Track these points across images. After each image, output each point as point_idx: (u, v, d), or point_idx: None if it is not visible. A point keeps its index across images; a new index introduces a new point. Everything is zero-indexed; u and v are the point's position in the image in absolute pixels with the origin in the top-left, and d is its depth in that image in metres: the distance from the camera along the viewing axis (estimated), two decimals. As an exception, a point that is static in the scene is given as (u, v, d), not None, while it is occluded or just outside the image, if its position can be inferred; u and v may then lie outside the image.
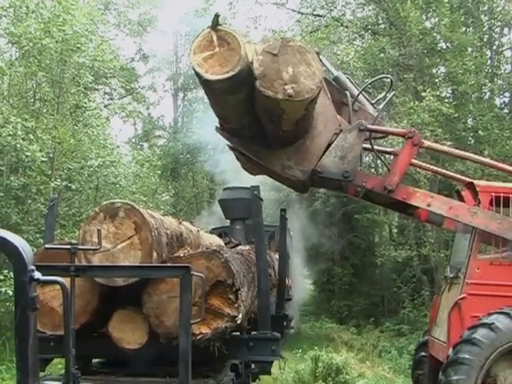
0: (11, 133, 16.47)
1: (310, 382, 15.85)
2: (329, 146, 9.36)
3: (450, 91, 27.50)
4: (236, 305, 7.56)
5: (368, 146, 10.41)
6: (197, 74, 7.53)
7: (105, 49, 22.48)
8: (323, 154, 9.34)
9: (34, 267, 3.47)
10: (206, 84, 7.72)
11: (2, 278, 15.49)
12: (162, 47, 58.37)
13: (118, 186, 22.19)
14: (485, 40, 27.73)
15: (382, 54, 25.11)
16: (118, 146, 25.88)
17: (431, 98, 21.98)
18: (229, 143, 9.78)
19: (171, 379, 7.30)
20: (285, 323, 12.32)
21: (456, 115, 23.11)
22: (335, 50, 28.19)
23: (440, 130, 22.04)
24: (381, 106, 10.56)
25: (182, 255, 7.80)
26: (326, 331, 29.19)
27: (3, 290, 15.19)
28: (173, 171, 37.04)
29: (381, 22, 29.16)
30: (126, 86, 34.45)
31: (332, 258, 33.98)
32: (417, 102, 22.34)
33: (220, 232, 15.92)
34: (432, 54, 26.00)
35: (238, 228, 16.04)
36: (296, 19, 31.46)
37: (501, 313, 9.59)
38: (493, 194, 10.32)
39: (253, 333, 8.85)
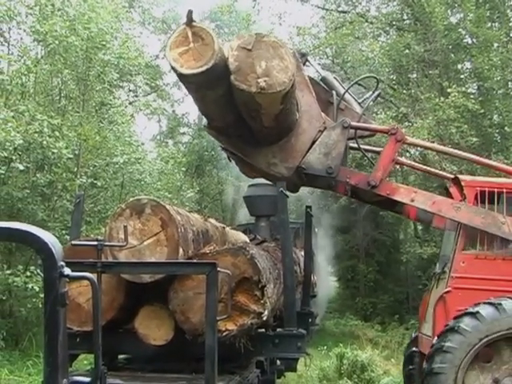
0: (37, 130, 16.57)
1: (334, 379, 15.83)
2: (313, 143, 9.63)
3: (476, 87, 27.26)
4: (262, 301, 7.56)
5: (356, 145, 10.67)
6: (173, 68, 7.81)
7: (130, 46, 22.51)
8: (308, 151, 9.60)
9: (63, 263, 3.49)
10: (182, 78, 8.02)
11: (28, 274, 15.63)
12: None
13: (143, 182, 22.27)
14: (511, 35, 27.45)
15: (407, 50, 24.93)
16: (142, 143, 26.02)
17: (457, 94, 21.80)
18: (222, 145, 10.04)
19: (197, 375, 7.31)
20: (310, 320, 12.29)
21: (482, 111, 22.88)
22: (360, 46, 28.06)
23: (466, 126, 21.86)
24: (366, 105, 10.90)
25: (208, 252, 7.81)
26: (350, 328, 29.14)
27: (30, 286, 15.32)
28: (197, 168, 37.03)
29: (406, 17, 28.96)
30: (151, 83, 34.47)
31: (357, 254, 33.89)
32: (442, 99, 22.16)
33: (245, 229, 15.91)
34: (457, 49, 25.78)
35: (262, 225, 16.02)
36: (320, 15, 31.34)
37: (487, 303, 9.50)
38: (478, 188, 10.24)
39: (278, 330, 8.85)
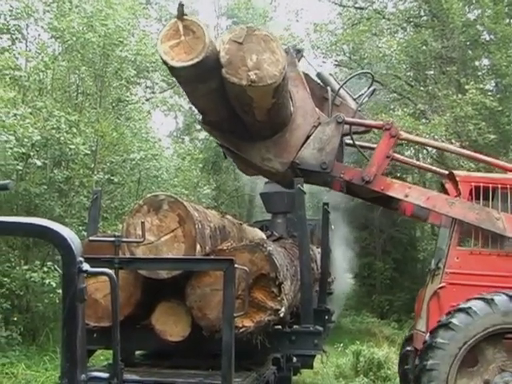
0: (55, 126, 16.60)
1: (351, 376, 15.82)
2: (308, 138, 9.65)
3: (494, 84, 27.15)
4: (279, 298, 7.56)
5: (351, 141, 10.73)
6: (164, 61, 7.82)
7: (147, 43, 22.52)
8: (302, 146, 9.61)
9: (82, 259, 3.49)
10: (173, 71, 8.03)
11: (45, 269, 15.68)
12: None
13: (159, 179, 22.26)
14: (530, 32, 27.28)
15: (425, 47, 24.86)
16: (159, 140, 25.97)
17: (474, 90, 21.74)
18: (216, 140, 10.04)
19: (214, 372, 7.30)
20: (326, 317, 12.27)
21: (500, 108, 22.78)
22: (377, 42, 27.95)
23: (483, 123, 21.79)
24: (361, 101, 10.92)
25: (225, 248, 7.82)
26: (366, 326, 29.08)
27: (47, 281, 15.36)
28: (214, 164, 36.89)
29: (423, 14, 28.87)
30: (168, 79, 34.46)
31: (373, 252, 33.80)
32: (460, 95, 22.10)
33: (261, 225, 15.91)
34: (475, 46, 25.69)
35: (279, 221, 16.02)
36: (337, 12, 31.24)
37: (457, 310, 9.39)
38: (473, 184, 10.21)
39: (295, 326, 8.84)
